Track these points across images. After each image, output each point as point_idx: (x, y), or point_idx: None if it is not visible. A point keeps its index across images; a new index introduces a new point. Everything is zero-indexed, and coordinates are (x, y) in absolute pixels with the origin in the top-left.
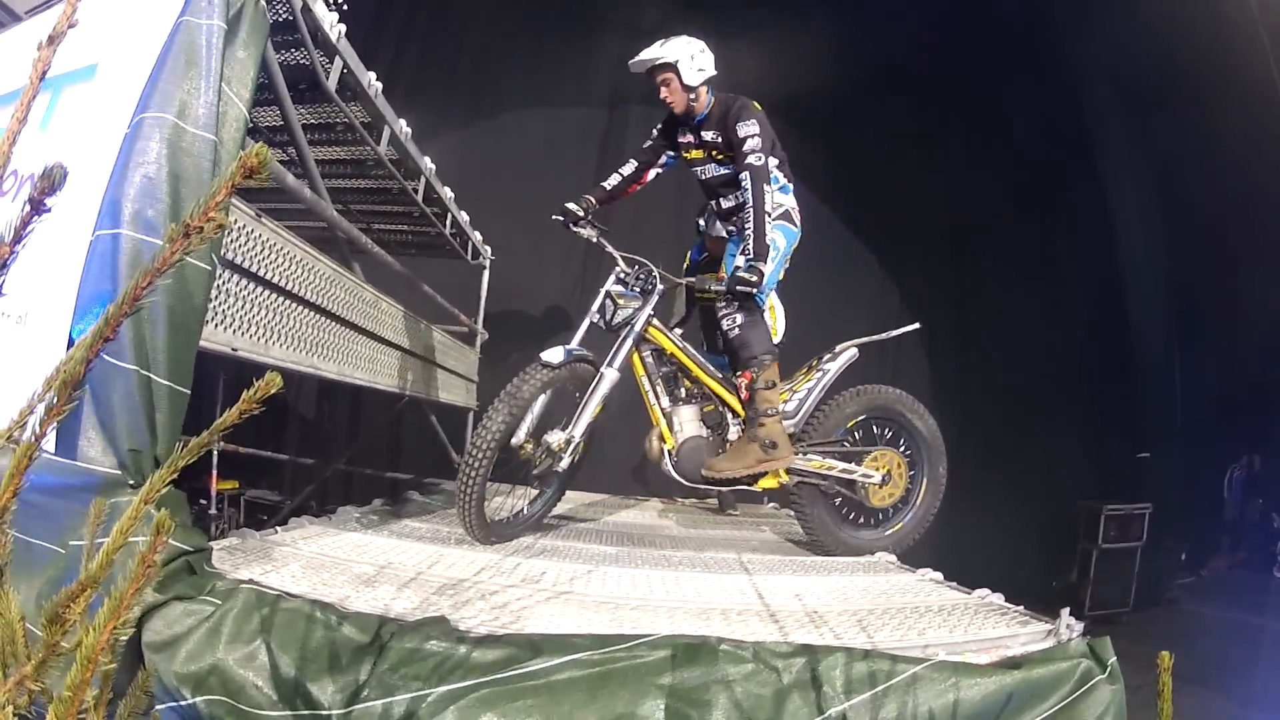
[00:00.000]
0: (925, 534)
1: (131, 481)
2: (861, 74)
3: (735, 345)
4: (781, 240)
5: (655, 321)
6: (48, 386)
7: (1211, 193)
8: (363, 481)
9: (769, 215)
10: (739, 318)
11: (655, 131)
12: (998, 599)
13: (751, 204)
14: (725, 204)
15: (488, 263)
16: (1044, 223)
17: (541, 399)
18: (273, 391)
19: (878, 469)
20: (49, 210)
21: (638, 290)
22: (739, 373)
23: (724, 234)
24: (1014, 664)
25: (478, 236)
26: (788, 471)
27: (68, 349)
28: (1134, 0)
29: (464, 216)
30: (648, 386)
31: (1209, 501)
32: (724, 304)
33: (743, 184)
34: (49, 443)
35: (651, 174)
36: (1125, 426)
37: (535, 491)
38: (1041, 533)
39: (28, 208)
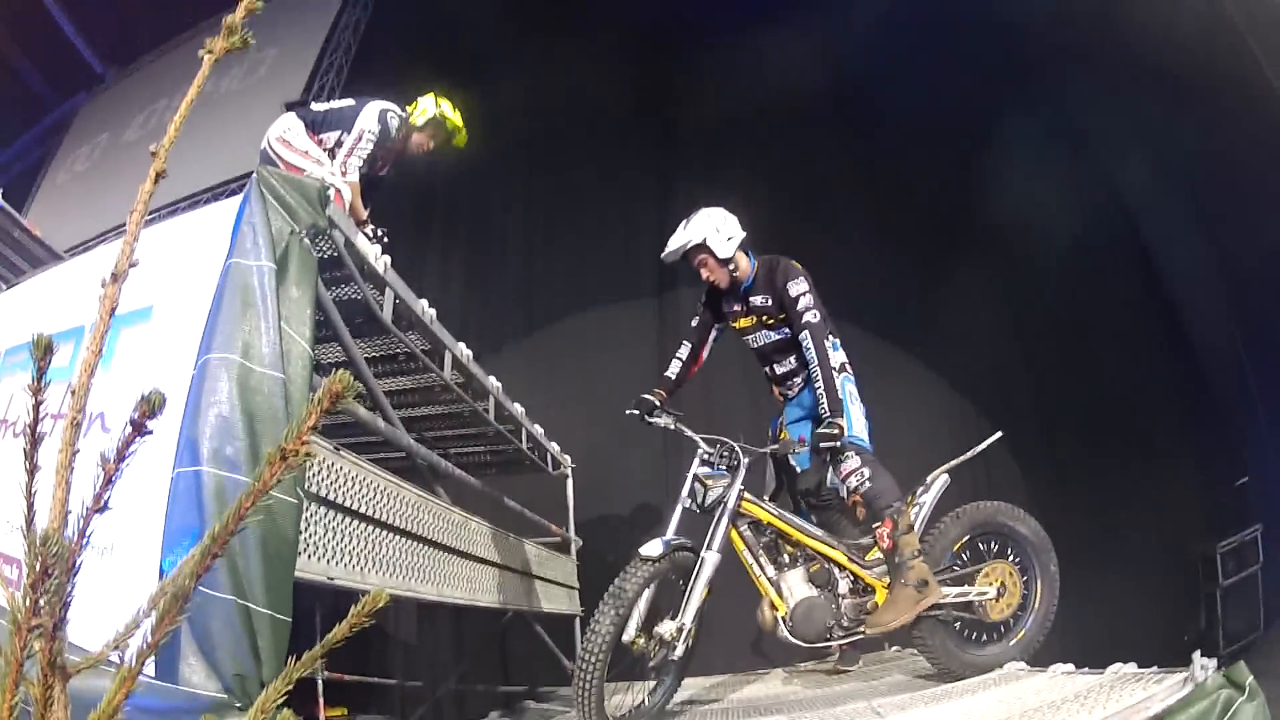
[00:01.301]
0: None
1: (239, 704)
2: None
3: (870, 498)
4: (852, 389)
5: (747, 495)
6: (152, 605)
7: None
8: (475, 699)
9: (835, 370)
10: (865, 471)
11: (700, 305)
12: (1130, 668)
13: (818, 361)
14: (780, 369)
15: (569, 471)
16: (1108, 268)
17: (646, 593)
18: (380, 605)
19: (991, 584)
20: (150, 432)
21: (724, 468)
22: (877, 524)
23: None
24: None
25: (555, 447)
26: None
27: (160, 579)
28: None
29: (538, 430)
30: (750, 560)
31: None
32: (845, 460)
33: (804, 344)
34: (148, 667)
35: (706, 350)
36: (1219, 458)
37: (654, 683)
38: (1161, 589)
39: (130, 429)
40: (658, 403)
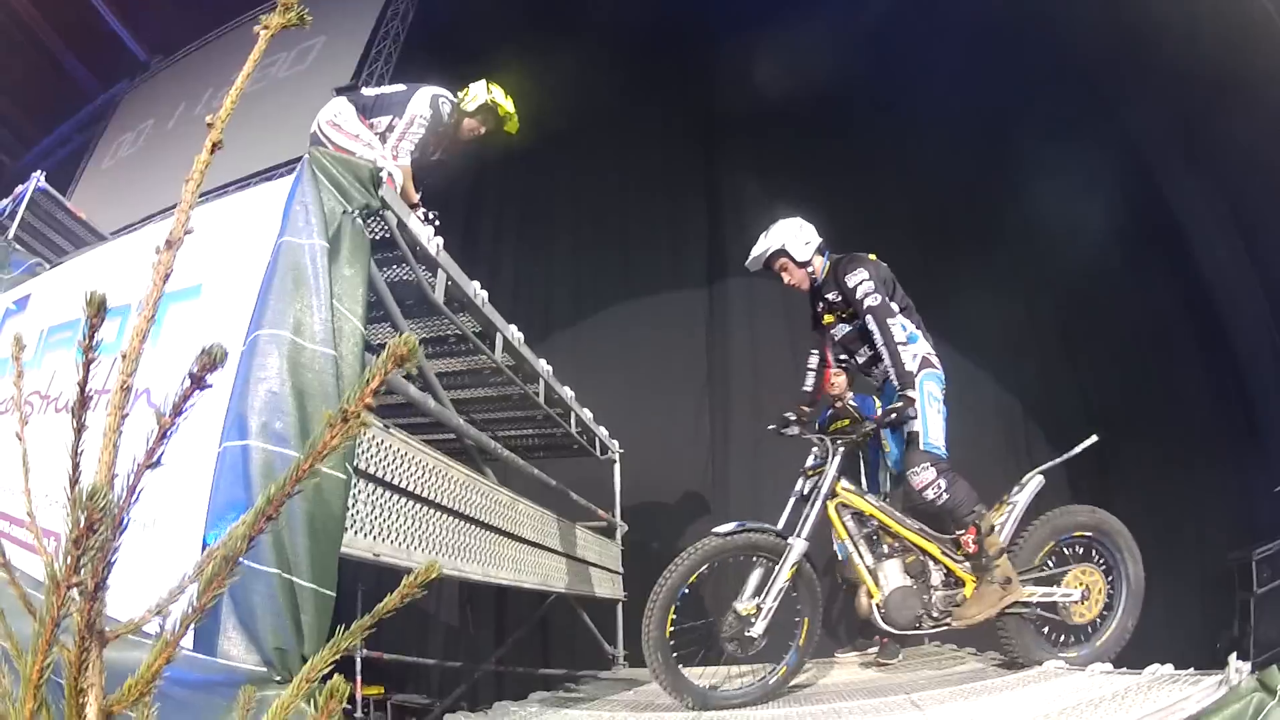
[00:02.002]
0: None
1: (278, 677)
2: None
3: (950, 508)
4: (935, 388)
5: (850, 486)
6: (199, 572)
7: None
8: (515, 680)
9: (903, 347)
10: (942, 483)
11: (811, 316)
12: (1167, 669)
13: (882, 340)
14: (860, 359)
15: (617, 456)
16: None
17: (701, 569)
18: (432, 577)
19: (1076, 586)
20: (210, 386)
21: (824, 459)
22: (960, 531)
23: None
24: None
25: (603, 432)
26: None
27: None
28: None
29: (587, 414)
30: (852, 547)
31: None
32: (919, 471)
33: (869, 327)
34: (188, 639)
35: (831, 354)
36: (1257, 464)
37: (752, 674)
38: (1195, 594)
39: (188, 382)
40: (793, 416)
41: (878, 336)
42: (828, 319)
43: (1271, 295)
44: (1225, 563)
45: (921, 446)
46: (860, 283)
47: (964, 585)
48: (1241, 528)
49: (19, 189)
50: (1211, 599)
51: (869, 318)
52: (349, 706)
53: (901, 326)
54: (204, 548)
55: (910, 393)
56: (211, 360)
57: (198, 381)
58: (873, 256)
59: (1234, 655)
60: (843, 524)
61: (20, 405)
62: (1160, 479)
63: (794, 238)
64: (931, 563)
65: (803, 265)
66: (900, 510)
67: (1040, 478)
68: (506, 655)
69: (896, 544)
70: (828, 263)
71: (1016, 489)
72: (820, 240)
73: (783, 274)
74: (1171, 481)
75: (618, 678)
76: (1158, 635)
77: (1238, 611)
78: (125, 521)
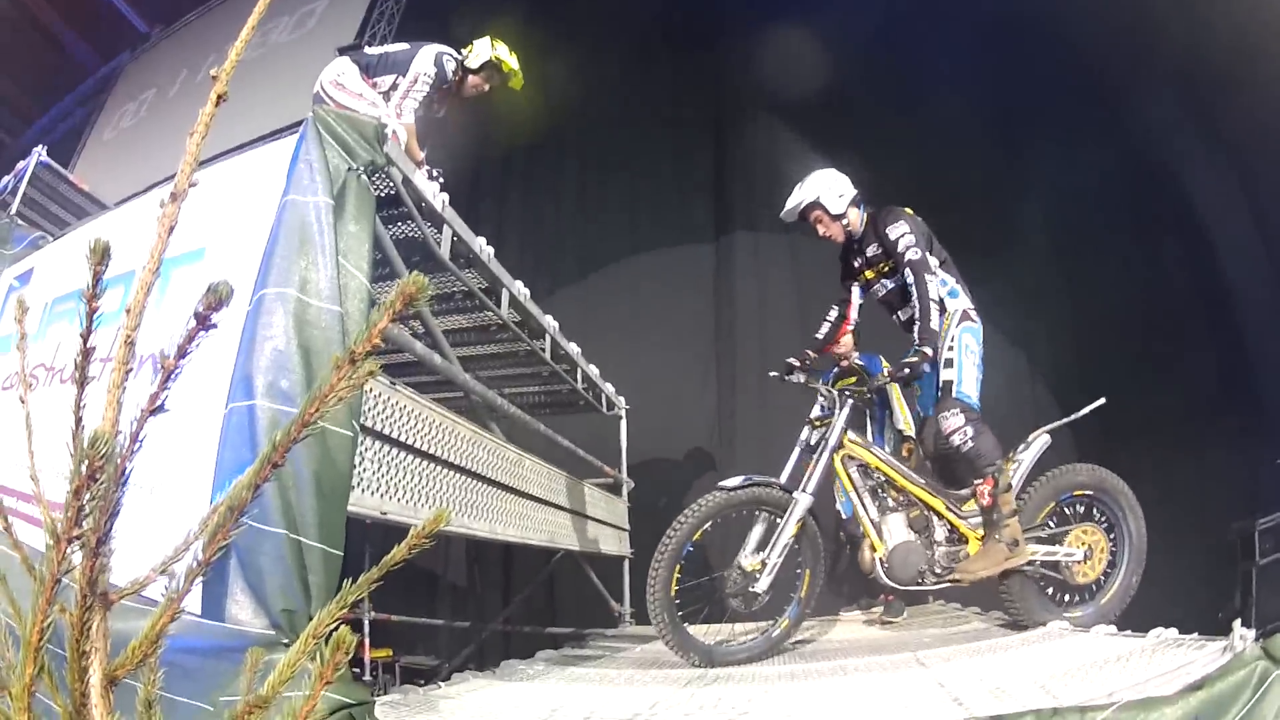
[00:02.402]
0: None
1: (286, 640)
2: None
3: (972, 456)
4: (973, 341)
5: (856, 438)
6: (203, 528)
7: None
8: (522, 640)
9: (939, 306)
10: (969, 430)
11: (841, 271)
12: (1171, 633)
13: (917, 296)
14: (903, 316)
15: (624, 412)
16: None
17: (705, 524)
18: (440, 527)
19: (1079, 546)
20: (215, 326)
21: (831, 411)
22: (978, 480)
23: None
24: (1197, 686)
25: (610, 388)
26: None
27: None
28: None
29: (594, 370)
30: (856, 500)
31: None
32: (949, 416)
33: (907, 279)
34: (195, 604)
35: (854, 310)
36: (1261, 434)
37: (756, 629)
38: (1198, 564)
39: (194, 323)
40: (798, 363)
41: (914, 291)
42: (869, 274)
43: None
44: (1228, 533)
45: (954, 394)
46: (902, 235)
47: (967, 542)
48: (1245, 498)
49: (20, 165)
50: (1214, 569)
51: (908, 270)
52: (357, 670)
53: (941, 282)
54: None
55: (927, 349)
56: (217, 298)
57: (203, 321)
58: (909, 210)
59: (1238, 621)
60: (848, 475)
61: (24, 370)
62: (1164, 448)
63: (828, 189)
64: (936, 518)
65: (837, 218)
66: (908, 467)
67: (1046, 437)
68: (514, 615)
69: (901, 498)
70: (864, 215)
71: (1022, 447)
72: (855, 192)
73: (818, 226)
74: (1175, 450)
75: (624, 634)
76: (1161, 604)
77: (1240, 582)
78: (128, 471)
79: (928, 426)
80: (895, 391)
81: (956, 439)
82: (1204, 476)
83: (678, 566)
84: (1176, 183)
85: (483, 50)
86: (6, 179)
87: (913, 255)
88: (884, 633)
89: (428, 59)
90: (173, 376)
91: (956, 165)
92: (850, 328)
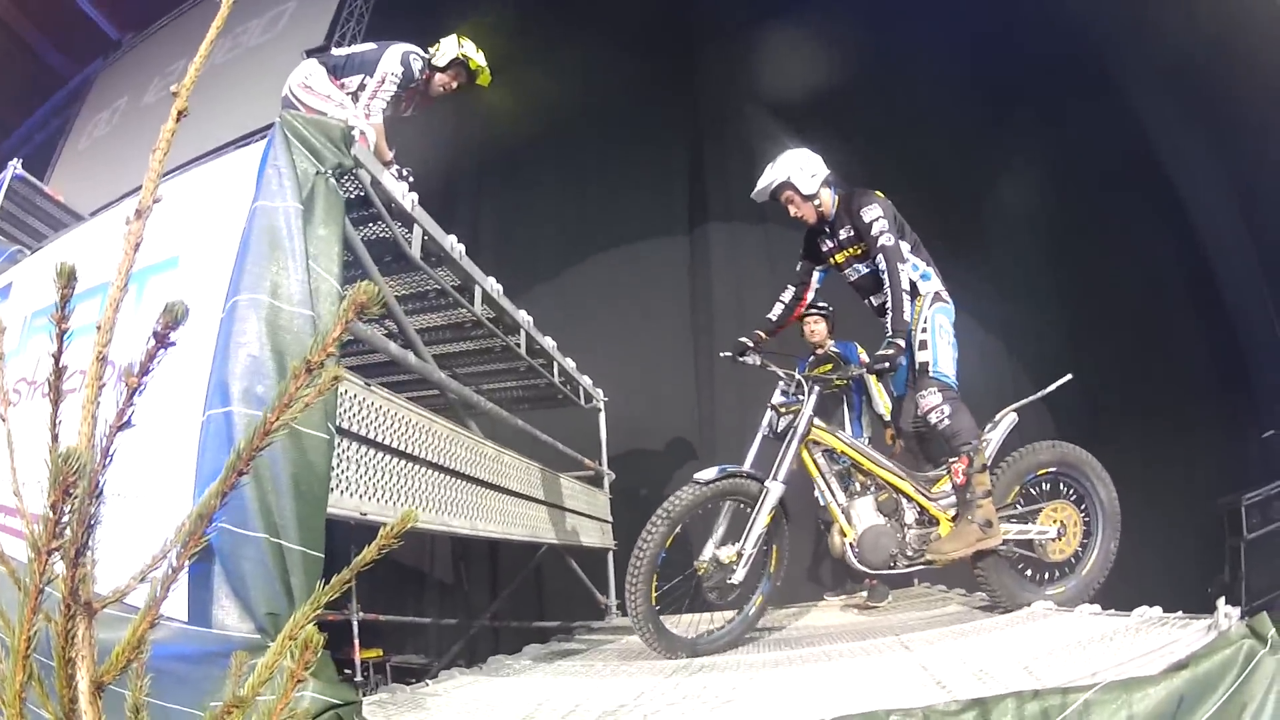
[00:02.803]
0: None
1: (271, 643)
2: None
3: (949, 434)
4: (945, 321)
5: (821, 424)
6: (179, 536)
7: None
8: (510, 635)
9: (908, 293)
10: (946, 408)
11: (801, 251)
12: (1155, 611)
13: (889, 283)
14: (876, 301)
15: (602, 405)
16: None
17: (710, 515)
18: (409, 526)
19: (1052, 523)
20: (173, 344)
21: (797, 398)
22: (953, 459)
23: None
24: (1182, 665)
25: (587, 381)
26: None
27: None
28: None
29: (570, 363)
30: (823, 485)
31: None
32: (926, 395)
33: (880, 267)
34: (182, 612)
35: (810, 292)
36: (1247, 410)
37: (734, 613)
38: (1188, 541)
39: (153, 342)
40: (751, 344)
41: (887, 280)
42: (839, 258)
43: (1262, 246)
44: (1215, 508)
45: (931, 373)
46: (876, 219)
47: (938, 524)
48: (1232, 474)
49: None
50: (1202, 544)
51: (880, 257)
52: (348, 672)
53: (913, 266)
54: None
55: (900, 341)
56: (173, 318)
57: (161, 340)
58: (880, 193)
59: (1222, 600)
60: (814, 461)
61: (2, 389)
62: (1151, 425)
63: (799, 169)
64: (905, 501)
65: (809, 199)
66: (891, 451)
67: (1014, 415)
68: (501, 610)
69: (869, 482)
70: (836, 197)
71: (990, 426)
72: (828, 172)
73: (789, 206)
74: (1163, 427)
75: (610, 626)
76: (1148, 580)
77: (1228, 557)
78: (101, 485)
79: (904, 406)
80: (873, 377)
81: (934, 417)
82: (1191, 452)
83: (655, 575)
84: (1165, 163)
85: (449, 48)
86: None
87: (886, 241)
88: (868, 617)
89: (394, 58)
90: (137, 393)
91: (940, 146)
92: (813, 319)
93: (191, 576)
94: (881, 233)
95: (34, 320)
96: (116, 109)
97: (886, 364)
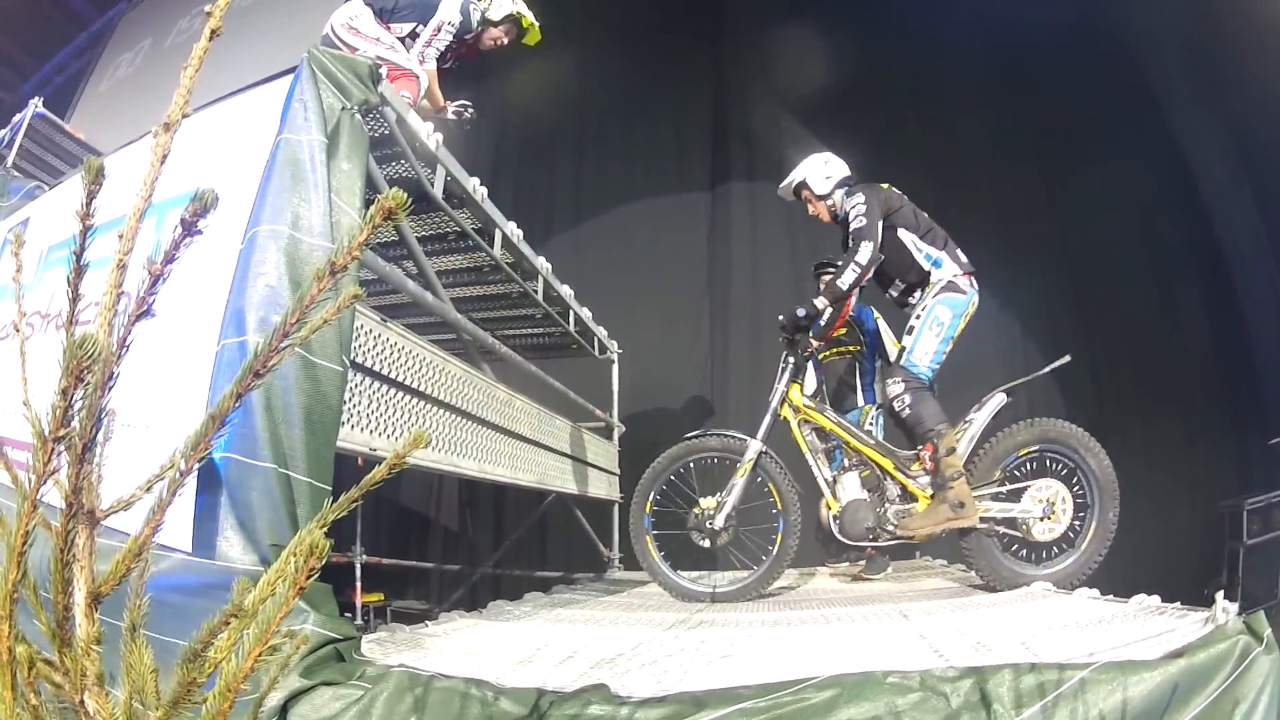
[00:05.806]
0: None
1: None
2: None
3: (911, 423)
4: (945, 313)
5: (811, 403)
6: (187, 445)
7: None
8: (512, 583)
9: (865, 271)
10: (907, 398)
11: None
12: (1154, 600)
13: (845, 254)
14: (893, 293)
15: (615, 356)
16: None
17: (674, 471)
18: (420, 446)
19: (1038, 503)
20: (200, 232)
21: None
22: (920, 447)
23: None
24: (1178, 654)
25: (603, 331)
26: None
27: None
28: None
29: (586, 313)
30: (811, 460)
31: None
32: (891, 384)
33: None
34: (185, 543)
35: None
36: (1254, 415)
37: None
38: (1187, 542)
39: (180, 229)
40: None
41: (847, 251)
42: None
43: (1276, 249)
44: (1216, 510)
45: (902, 361)
46: (853, 206)
47: (917, 501)
48: (1235, 478)
49: (16, 117)
50: (1201, 545)
51: (851, 238)
52: (349, 615)
53: (926, 256)
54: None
55: (819, 301)
56: (202, 205)
57: (189, 228)
58: (885, 186)
59: (1220, 593)
60: (804, 439)
61: (19, 300)
62: (1156, 423)
63: (816, 171)
64: (887, 478)
65: (822, 198)
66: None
67: (1002, 395)
68: (505, 558)
69: (856, 458)
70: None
71: (976, 407)
72: (845, 175)
73: (808, 205)
74: (1168, 429)
75: (613, 579)
76: (1146, 576)
77: (1227, 560)
78: (115, 376)
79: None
80: (884, 345)
81: (896, 405)
82: (1195, 455)
83: (651, 515)
84: (1174, 160)
85: (504, 3)
86: (3, 132)
87: (857, 224)
88: (867, 586)
89: (453, 6)
90: (160, 280)
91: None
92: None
93: (197, 507)
94: (856, 217)
95: (50, 254)
96: (140, 50)
97: (803, 321)
